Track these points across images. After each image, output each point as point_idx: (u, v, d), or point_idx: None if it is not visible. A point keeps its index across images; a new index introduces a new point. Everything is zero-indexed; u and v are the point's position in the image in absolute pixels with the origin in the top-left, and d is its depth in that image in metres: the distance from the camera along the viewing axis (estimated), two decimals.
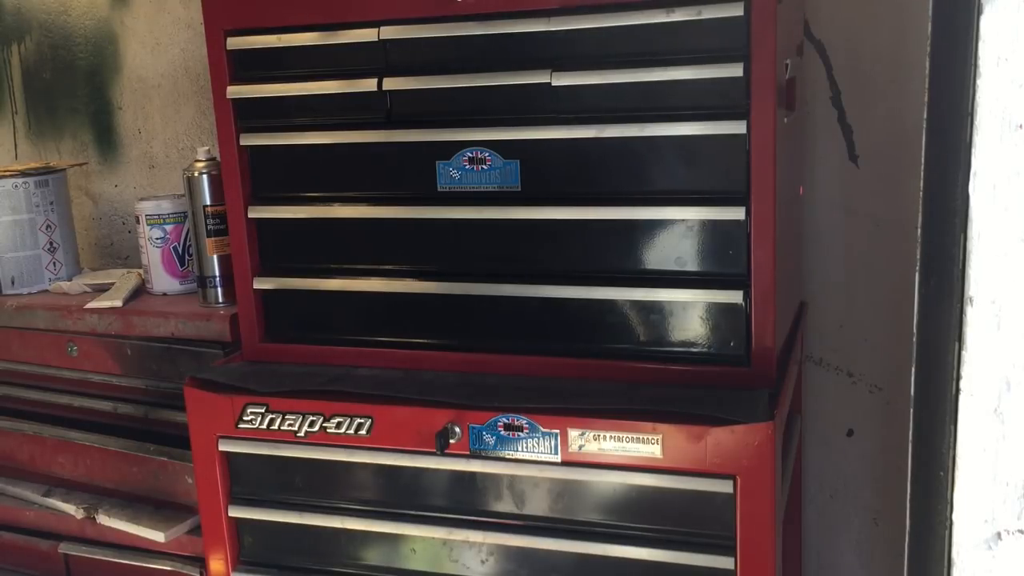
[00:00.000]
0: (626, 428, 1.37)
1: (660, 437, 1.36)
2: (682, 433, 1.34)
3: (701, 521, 1.39)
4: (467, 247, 1.58)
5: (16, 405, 2.15)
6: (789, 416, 1.71)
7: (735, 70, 1.36)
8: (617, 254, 1.50)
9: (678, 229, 1.47)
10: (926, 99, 1.00)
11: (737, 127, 1.39)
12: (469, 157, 1.52)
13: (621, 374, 1.51)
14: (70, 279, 2.20)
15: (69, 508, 1.99)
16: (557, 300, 1.53)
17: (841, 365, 2.01)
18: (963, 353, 1.01)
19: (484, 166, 1.51)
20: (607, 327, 1.52)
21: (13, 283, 2.14)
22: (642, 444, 1.37)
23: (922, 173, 1.01)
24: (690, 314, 1.48)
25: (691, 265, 1.47)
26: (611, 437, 1.38)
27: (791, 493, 1.89)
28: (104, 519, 1.94)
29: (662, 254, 1.48)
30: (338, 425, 1.52)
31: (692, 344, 1.49)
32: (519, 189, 1.51)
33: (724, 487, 1.35)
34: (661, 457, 1.36)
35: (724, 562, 1.37)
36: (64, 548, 2.02)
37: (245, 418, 1.57)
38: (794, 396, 1.83)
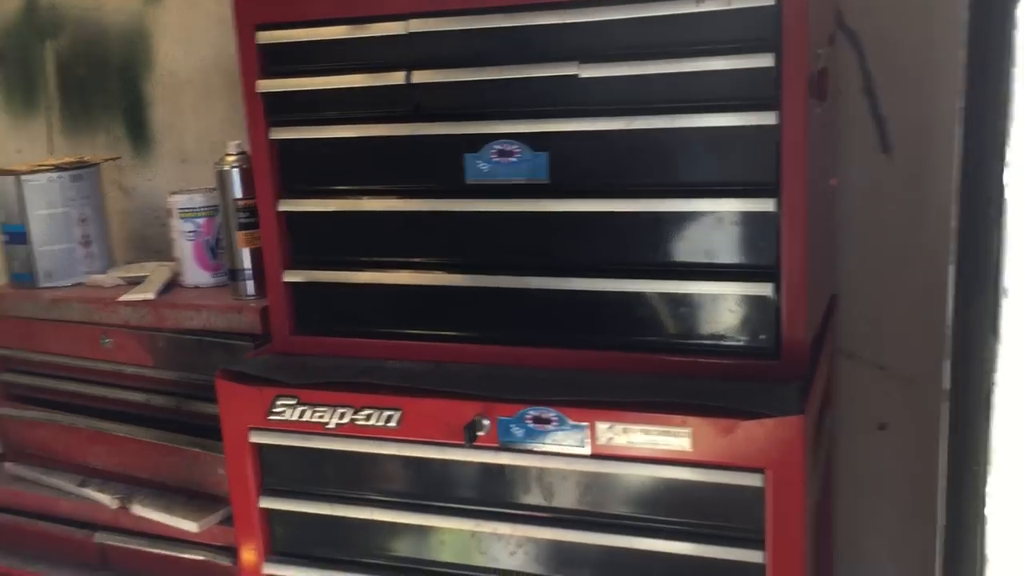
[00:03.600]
0: (655, 421, 1.36)
1: (689, 430, 1.35)
2: (712, 426, 1.34)
3: (730, 515, 1.39)
4: (496, 240, 1.58)
5: (51, 396, 2.18)
6: (820, 410, 1.69)
7: (766, 60, 1.35)
8: (646, 246, 1.49)
9: (708, 221, 1.46)
10: (962, 88, 0.98)
11: (768, 118, 1.37)
12: (497, 149, 1.52)
13: (650, 367, 1.50)
14: (104, 272, 2.22)
15: (104, 498, 2.02)
16: (586, 292, 1.53)
17: (873, 358, 1.99)
18: (998, 345, 0.99)
19: (512, 158, 1.51)
20: (636, 319, 1.51)
21: (49, 276, 2.17)
22: (671, 437, 1.36)
23: (957, 163, 1.00)
24: (720, 306, 1.47)
25: (721, 257, 1.46)
26: (640, 430, 1.37)
27: (823, 487, 1.87)
28: (138, 509, 1.97)
29: (692, 246, 1.47)
30: (367, 417, 1.52)
31: (722, 337, 1.48)
32: (548, 181, 1.50)
33: (754, 481, 1.34)
34: (690, 450, 1.36)
35: (754, 556, 1.37)
36: (99, 538, 2.05)
37: (275, 410, 1.58)
38: (825, 390, 1.81)
